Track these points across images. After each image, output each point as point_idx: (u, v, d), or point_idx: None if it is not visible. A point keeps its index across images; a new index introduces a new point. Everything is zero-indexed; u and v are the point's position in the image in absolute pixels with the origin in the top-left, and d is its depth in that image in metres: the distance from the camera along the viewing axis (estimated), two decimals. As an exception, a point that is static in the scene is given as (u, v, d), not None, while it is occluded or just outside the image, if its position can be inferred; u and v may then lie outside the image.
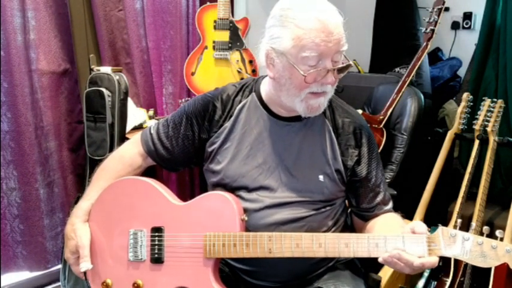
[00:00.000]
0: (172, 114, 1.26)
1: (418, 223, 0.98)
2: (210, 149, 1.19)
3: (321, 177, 1.14)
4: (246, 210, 1.12)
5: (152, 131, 1.25)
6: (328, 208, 1.17)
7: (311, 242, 0.99)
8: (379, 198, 1.19)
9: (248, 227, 1.10)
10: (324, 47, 1.00)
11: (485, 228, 0.98)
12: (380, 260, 0.96)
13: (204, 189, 1.28)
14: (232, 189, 1.16)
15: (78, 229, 1.13)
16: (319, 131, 1.16)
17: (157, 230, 1.10)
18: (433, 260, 0.93)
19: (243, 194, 1.15)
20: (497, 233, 0.94)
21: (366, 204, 1.19)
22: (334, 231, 1.19)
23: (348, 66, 1.07)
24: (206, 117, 1.19)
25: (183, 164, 1.28)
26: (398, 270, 0.96)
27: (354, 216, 1.26)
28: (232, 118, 1.18)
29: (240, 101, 1.19)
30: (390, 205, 1.21)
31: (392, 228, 1.08)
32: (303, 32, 0.99)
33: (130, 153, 1.26)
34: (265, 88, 1.18)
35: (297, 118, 1.16)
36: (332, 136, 1.16)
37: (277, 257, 1.01)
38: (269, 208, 1.13)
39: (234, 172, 1.16)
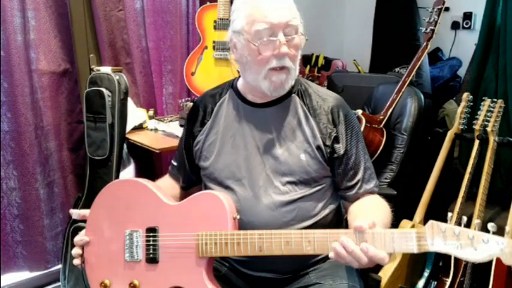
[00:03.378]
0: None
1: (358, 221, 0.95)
2: (196, 148, 1.25)
3: (302, 156, 1.16)
4: (237, 202, 1.14)
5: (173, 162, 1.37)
6: (316, 189, 1.17)
7: (301, 239, 0.99)
8: (359, 175, 1.19)
9: (241, 217, 1.11)
10: (273, 19, 1.07)
11: (477, 222, 0.95)
12: (331, 255, 0.94)
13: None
14: (222, 180, 1.19)
15: None
16: (295, 112, 1.19)
17: (151, 231, 1.10)
18: (381, 255, 0.90)
19: (232, 184, 1.18)
20: (489, 226, 0.91)
21: (346, 182, 1.19)
22: (326, 217, 1.19)
23: (303, 37, 1.13)
24: (191, 120, 1.28)
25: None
26: (348, 263, 0.93)
27: (342, 200, 1.27)
28: (213, 114, 1.24)
29: (220, 98, 1.26)
30: (373, 184, 1.21)
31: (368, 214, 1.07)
32: (254, 7, 1.09)
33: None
34: (241, 80, 1.24)
35: (272, 103, 1.20)
36: (308, 116, 1.19)
37: (268, 255, 1.01)
38: (258, 195, 1.15)
39: (221, 164, 1.20)
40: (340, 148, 1.17)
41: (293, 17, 1.10)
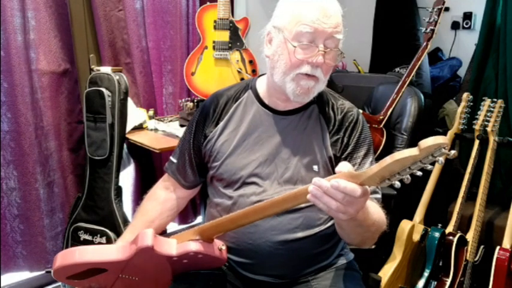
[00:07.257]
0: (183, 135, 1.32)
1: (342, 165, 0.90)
2: (207, 147, 1.22)
3: (315, 168, 1.15)
4: (244, 204, 1.12)
5: (172, 158, 1.32)
6: None
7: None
8: None
9: None
10: (319, 25, 1.05)
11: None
12: (308, 197, 0.88)
13: (205, 196, 1.31)
14: (230, 182, 1.18)
15: None
16: (313, 123, 1.18)
17: None
18: (350, 186, 0.84)
19: (240, 187, 1.16)
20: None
21: None
22: (330, 227, 1.19)
23: (340, 54, 1.11)
24: (203, 121, 1.23)
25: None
26: (327, 207, 0.87)
27: None
28: (228, 115, 1.21)
29: (236, 99, 1.22)
30: (373, 195, 1.15)
31: None
32: (303, 8, 1.06)
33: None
34: (262, 84, 1.22)
35: (293, 112, 1.18)
36: (324, 127, 1.18)
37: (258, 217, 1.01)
38: (266, 200, 1.13)
39: (231, 166, 1.17)
40: (349, 160, 1.16)
41: (338, 31, 1.08)
